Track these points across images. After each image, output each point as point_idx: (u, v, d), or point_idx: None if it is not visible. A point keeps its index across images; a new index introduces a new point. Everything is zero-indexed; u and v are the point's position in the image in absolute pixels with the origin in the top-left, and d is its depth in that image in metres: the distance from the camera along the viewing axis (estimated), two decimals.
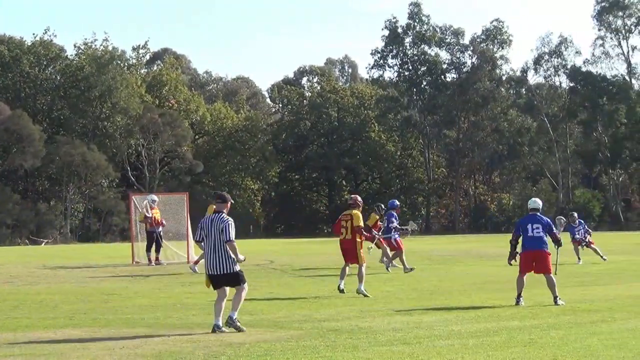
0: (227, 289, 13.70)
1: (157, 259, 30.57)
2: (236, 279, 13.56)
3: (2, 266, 31.91)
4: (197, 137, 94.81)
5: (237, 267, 13.53)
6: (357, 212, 19.37)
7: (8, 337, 12.60)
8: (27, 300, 18.49)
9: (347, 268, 19.73)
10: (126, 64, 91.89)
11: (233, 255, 13.42)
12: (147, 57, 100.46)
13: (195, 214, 40.51)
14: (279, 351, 11.36)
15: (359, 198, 19.92)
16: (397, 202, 29.23)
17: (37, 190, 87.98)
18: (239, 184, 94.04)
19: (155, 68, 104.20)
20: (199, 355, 11.05)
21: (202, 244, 13.67)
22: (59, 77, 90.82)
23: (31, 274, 26.97)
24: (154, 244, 30.57)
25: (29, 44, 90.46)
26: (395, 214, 27.72)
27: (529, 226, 17.45)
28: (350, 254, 19.44)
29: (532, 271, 17.47)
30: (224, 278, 13.50)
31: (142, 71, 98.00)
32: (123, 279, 24.63)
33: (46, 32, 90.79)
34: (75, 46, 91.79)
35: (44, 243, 71.69)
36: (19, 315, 15.75)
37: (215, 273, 13.47)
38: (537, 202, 18.18)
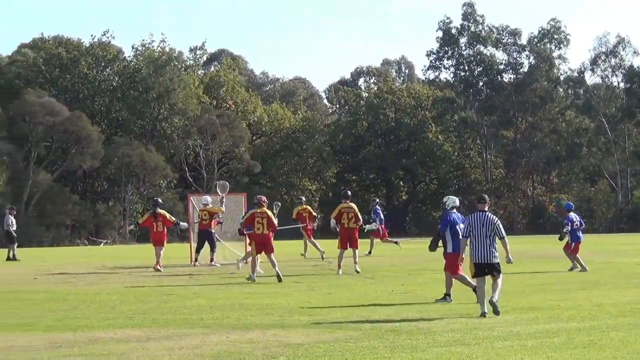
0: (486, 278, 15.86)
1: (212, 259, 30.87)
2: (498, 269, 15.90)
3: (61, 266, 32.28)
4: (254, 137, 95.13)
5: (497, 259, 15.90)
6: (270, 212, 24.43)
7: (68, 337, 12.73)
8: (86, 301, 18.65)
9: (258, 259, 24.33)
10: (183, 65, 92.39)
11: (506, 249, 16.13)
12: (204, 58, 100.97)
13: None
14: (337, 352, 11.36)
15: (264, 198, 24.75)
16: (572, 204, 29.42)
17: (95, 191, 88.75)
18: (296, 184, 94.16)
19: (212, 69, 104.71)
20: (258, 356, 11.09)
21: (468, 238, 16.06)
22: (116, 79, 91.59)
23: (90, 274, 27.22)
24: (208, 244, 31.07)
25: (87, 45, 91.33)
26: (571, 216, 27.19)
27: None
28: (269, 245, 23.94)
29: None
30: (489, 267, 15.80)
31: (200, 72, 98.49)
32: (181, 279, 24.77)
33: (105, 34, 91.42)
34: (133, 48, 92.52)
35: (102, 243, 72.33)
36: (79, 315, 15.90)
37: (482, 262, 15.79)
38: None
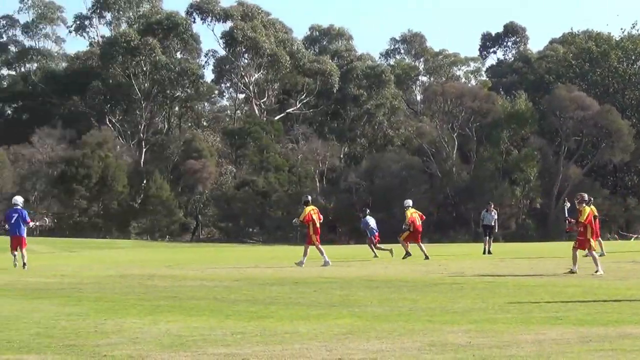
0: None
1: None
2: None
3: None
4: None
5: None
6: None
7: (599, 332, 12.71)
8: (617, 295, 18.47)
9: None
10: None
11: None
12: None
13: None
14: None
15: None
16: None
17: (626, 185, 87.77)
18: None
19: None
20: None
21: None
22: None
23: (620, 268, 26.95)
24: None
25: (617, 39, 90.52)
26: None
27: None
28: None
29: None
30: None
31: None
32: None
33: (634, 27, 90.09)
34: None
35: (633, 238, 71.27)
36: (609, 309, 15.74)
37: None
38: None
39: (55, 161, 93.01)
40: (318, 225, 30.72)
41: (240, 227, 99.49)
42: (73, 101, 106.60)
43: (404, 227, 35.41)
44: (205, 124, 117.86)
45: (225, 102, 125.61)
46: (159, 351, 10.78)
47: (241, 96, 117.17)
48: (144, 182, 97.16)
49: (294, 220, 32.35)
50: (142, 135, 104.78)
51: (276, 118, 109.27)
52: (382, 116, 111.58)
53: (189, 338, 11.83)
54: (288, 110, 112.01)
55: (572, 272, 24.64)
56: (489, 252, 39.45)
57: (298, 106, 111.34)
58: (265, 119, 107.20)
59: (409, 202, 36.48)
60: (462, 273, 25.80)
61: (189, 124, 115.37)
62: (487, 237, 40.80)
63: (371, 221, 38.82)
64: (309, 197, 32.54)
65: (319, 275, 24.94)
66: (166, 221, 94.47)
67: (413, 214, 35.42)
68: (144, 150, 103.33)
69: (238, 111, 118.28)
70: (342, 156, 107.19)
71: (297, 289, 20.29)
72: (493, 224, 41.31)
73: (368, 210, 40.97)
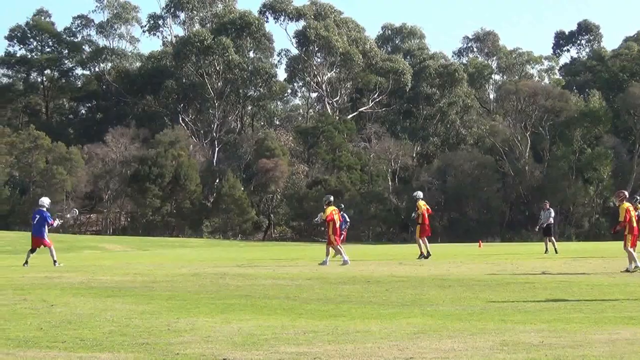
0: None
1: None
2: None
3: None
4: None
5: None
6: None
7: None
8: None
9: None
10: None
11: None
12: None
13: None
14: None
15: None
16: None
17: None
18: None
19: None
20: None
21: None
22: None
23: None
24: None
25: None
26: None
27: None
28: None
29: None
30: None
31: None
32: None
33: None
34: None
35: None
36: None
37: None
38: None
39: (128, 160, 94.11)
40: (338, 225, 31.64)
41: (312, 226, 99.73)
42: (147, 100, 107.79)
43: (413, 215, 35.68)
44: (277, 122, 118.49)
45: (297, 101, 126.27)
46: (231, 350, 10.86)
47: (314, 95, 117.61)
48: (217, 181, 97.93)
49: (314, 220, 32.71)
50: (215, 134, 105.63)
51: (348, 117, 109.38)
52: (455, 115, 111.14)
53: (260, 337, 11.90)
54: (360, 109, 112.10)
55: (628, 270, 24.71)
56: (555, 251, 38.95)
57: (370, 105, 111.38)
58: (337, 117, 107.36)
59: (420, 193, 36.62)
60: (534, 272, 25.63)
61: (262, 123, 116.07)
62: (549, 237, 40.48)
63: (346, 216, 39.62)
64: (332, 198, 33.25)
65: (391, 274, 24.95)
66: (238, 220, 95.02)
67: (424, 206, 35.41)
68: (217, 149, 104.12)
69: (310, 110, 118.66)
70: (414, 155, 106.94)
71: (369, 287, 20.30)
72: (551, 222, 40.87)
73: (342, 206, 41.81)
